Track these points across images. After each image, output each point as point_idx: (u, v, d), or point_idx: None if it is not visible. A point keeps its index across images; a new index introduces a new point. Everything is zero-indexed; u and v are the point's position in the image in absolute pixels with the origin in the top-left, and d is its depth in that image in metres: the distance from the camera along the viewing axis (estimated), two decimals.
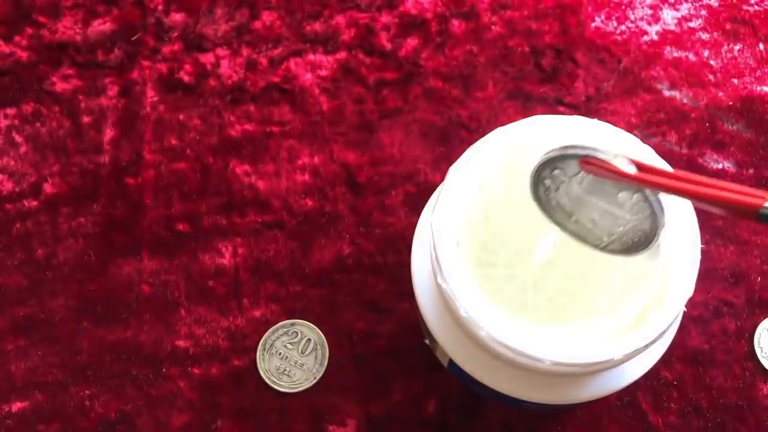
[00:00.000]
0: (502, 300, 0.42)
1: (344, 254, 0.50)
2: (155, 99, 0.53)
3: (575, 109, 0.53)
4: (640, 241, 0.37)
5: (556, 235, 0.40)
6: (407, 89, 0.53)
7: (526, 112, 0.52)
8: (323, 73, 0.54)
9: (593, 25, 0.55)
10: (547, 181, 0.37)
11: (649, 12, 0.55)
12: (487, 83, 0.53)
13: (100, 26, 0.55)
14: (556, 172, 0.37)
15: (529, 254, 0.43)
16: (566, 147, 0.36)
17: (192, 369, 0.48)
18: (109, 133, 0.52)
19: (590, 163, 0.35)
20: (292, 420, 0.47)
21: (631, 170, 0.34)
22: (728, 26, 0.55)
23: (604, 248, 0.38)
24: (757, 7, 0.55)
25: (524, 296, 0.43)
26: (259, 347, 0.48)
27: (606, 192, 0.36)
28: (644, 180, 0.34)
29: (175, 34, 0.55)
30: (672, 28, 0.55)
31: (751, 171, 0.51)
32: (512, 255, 0.44)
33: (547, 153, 0.36)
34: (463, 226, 0.41)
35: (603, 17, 0.55)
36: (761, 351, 0.48)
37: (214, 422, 0.47)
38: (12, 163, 0.52)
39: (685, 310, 0.38)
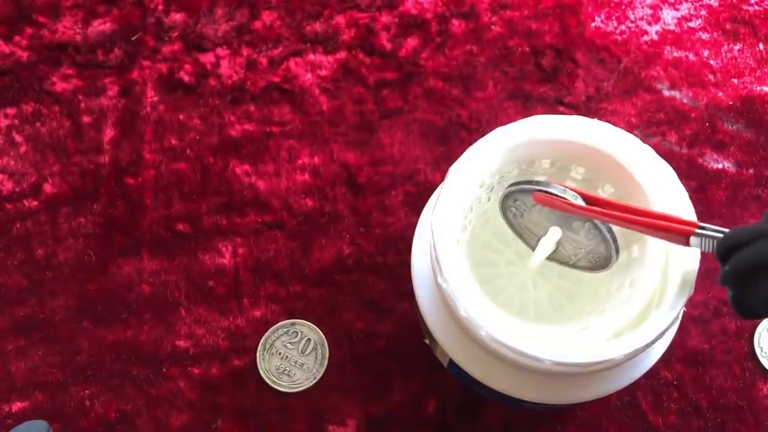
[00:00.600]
0: (502, 300, 0.42)
1: (344, 254, 0.50)
2: (155, 99, 0.53)
3: (575, 109, 0.53)
4: (600, 262, 0.40)
5: (557, 235, 0.40)
6: (407, 89, 0.53)
7: (526, 112, 0.52)
8: (323, 73, 0.54)
9: (593, 25, 0.55)
10: (513, 209, 0.41)
11: (649, 12, 0.55)
12: (487, 83, 0.53)
13: (100, 26, 0.55)
14: (518, 203, 0.40)
15: (529, 254, 0.43)
16: (520, 183, 0.39)
17: (192, 369, 0.48)
18: (109, 133, 0.52)
19: (541, 198, 0.38)
20: (292, 420, 0.47)
21: (579, 202, 0.37)
22: (728, 26, 0.55)
23: (573, 265, 0.41)
24: (757, 7, 0.55)
25: (524, 296, 0.43)
26: (259, 347, 0.48)
27: (562, 220, 0.39)
28: (589, 211, 0.37)
29: (175, 34, 0.55)
30: (672, 28, 0.55)
31: (750, 171, 0.51)
32: (512, 255, 0.44)
33: (507, 187, 0.40)
34: (463, 227, 0.41)
35: (603, 17, 0.55)
36: (761, 351, 0.48)
37: (214, 422, 0.47)
38: (12, 163, 0.52)
39: (685, 310, 0.38)
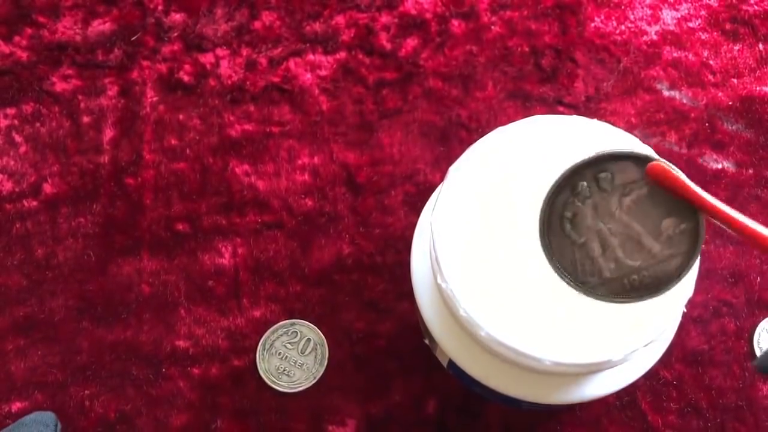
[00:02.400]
0: (502, 299, 0.42)
1: (344, 254, 0.50)
2: (155, 99, 0.53)
3: (575, 109, 0.53)
4: (650, 285, 0.33)
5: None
6: (407, 89, 0.53)
7: (526, 112, 0.52)
8: (323, 73, 0.54)
9: (593, 25, 0.55)
10: (582, 185, 0.33)
11: (649, 12, 0.55)
12: (487, 83, 0.53)
13: (100, 26, 0.55)
14: (603, 175, 0.32)
15: (530, 254, 0.43)
16: (632, 150, 0.31)
17: (192, 369, 0.48)
18: (108, 133, 0.52)
19: (662, 173, 0.31)
20: (291, 420, 0.47)
21: (705, 194, 0.30)
22: (728, 26, 0.55)
23: (587, 285, 0.33)
24: (757, 7, 0.55)
25: (524, 296, 0.43)
26: (259, 347, 0.48)
27: (650, 215, 0.32)
28: (718, 210, 0.29)
29: (175, 34, 0.55)
30: (672, 28, 0.55)
31: (750, 171, 0.51)
32: (512, 254, 0.44)
33: (604, 151, 0.31)
34: (464, 226, 0.41)
35: (603, 17, 0.55)
36: (761, 351, 0.48)
37: (213, 422, 0.47)
38: (12, 163, 0.52)
39: (685, 310, 0.38)
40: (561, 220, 0.33)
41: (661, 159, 0.31)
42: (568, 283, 0.33)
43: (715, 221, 0.30)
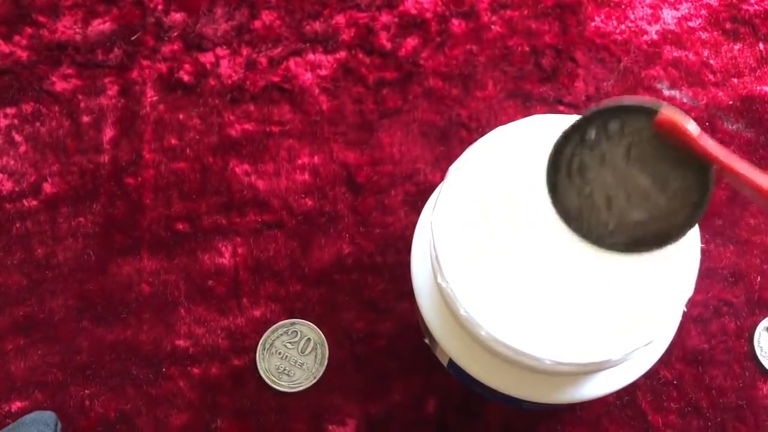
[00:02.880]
0: (502, 299, 0.42)
1: (344, 254, 0.50)
2: (155, 99, 0.53)
3: (575, 108, 0.53)
4: (653, 237, 0.32)
5: (558, 235, 0.40)
6: (407, 89, 0.53)
7: (526, 112, 0.52)
8: (323, 72, 0.54)
9: (593, 24, 0.55)
10: (591, 132, 0.32)
11: (649, 12, 0.55)
12: (487, 83, 0.53)
13: (100, 26, 0.55)
14: (612, 124, 0.31)
15: (530, 254, 0.43)
16: (640, 102, 0.31)
17: (192, 369, 0.48)
18: (108, 133, 0.52)
19: (671, 123, 0.30)
20: (292, 420, 0.47)
21: (714, 147, 0.29)
22: (728, 26, 0.55)
23: (592, 235, 0.33)
24: (757, 7, 0.55)
25: (524, 296, 0.43)
26: (259, 347, 0.48)
27: (658, 167, 0.31)
28: (728, 164, 0.29)
29: (175, 33, 0.55)
30: (672, 27, 0.55)
31: None
32: (512, 254, 0.44)
33: (614, 102, 0.31)
34: (464, 226, 0.41)
35: (603, 17, 0.55)
36: (761, 350, 0.48)
37: (214, 422, 0.47)
38: (12, 162, 0.52)
39: (685, 309, 0.38)
40: (569, 170, 0.33)
41: (673, 110, 0.30)
42: (574, 231, 0.33)
43: (725, 176, 0.29)
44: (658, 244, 0.32)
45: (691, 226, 0.32)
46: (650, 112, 0.30)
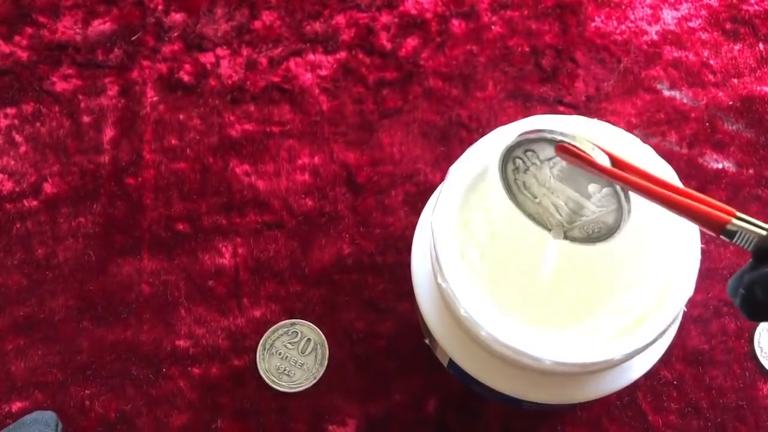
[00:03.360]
0: (502, 299, 0.42)
1: (344, 254, 0.50)
2: (155, 99, 0.53)
3: (575, 108, 0.53)
4: (601, 233, 0.37)
5: (558, 234, 0.40)
6: (407, 89, 0.53)
7: (526, 112, 0.52)
8: (323, 72, 0.54)
9: (593, 25, 0.55)
10: (518, 161, 0.37)
11: (649, 12, 0.55)
12: (487, 83, 0.53)
13: (100, 26, 0.55)
14: (529, 153, 0.36)
15: (529, 254, 0.43)
16: (543, 131, 0.35)
17: (192, 369, 0.48)
18: (109, 133, 0.52)
19: (566, 150, 0.34)
20: (292, 420, 0.47)
21: (606, 163, 0.34)
22: (728, 26, 0.55)
23: (565, 234, 0.38)
24: (757, 7, 0.55)
25: (524, 295, 0.43)
26: (259, 347, 0.48)
27: (577, 181, 0.36)
28: (618, 176, 0.33)
29: (175, 34, 0.55)
30: (672, 28, 0.55)
31: (751, 171, 0.51)
32: (512, 254, 0.44)
33: (522, 133, 0.35)
34: (463, 226, 0.41)
35: (603, 17, 0.55)
36: (761, 351, 0.48)
37: (214, 422, 0.47)
38: (12, 163, 0.52)
39: (685, 310, 0.38)
40: (517, 186, 0.38)
41: (572, 136, 0.34)
42: (543, 230, 0.38)
43: (624, 186, 0.34)
44: (607, 236, 0.37)
45: (623, 226, 0.35)
46: (552, 142, 0.35)
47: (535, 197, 0.38)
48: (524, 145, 0.36)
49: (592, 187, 0.36)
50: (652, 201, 0.33)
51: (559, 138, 0.34)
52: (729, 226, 0.31)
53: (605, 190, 0.35)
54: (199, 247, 0.50)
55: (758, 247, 0.30)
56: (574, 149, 0.34)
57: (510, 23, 0.55)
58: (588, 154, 0.34)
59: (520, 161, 0.37)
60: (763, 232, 0.30)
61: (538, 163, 0.36)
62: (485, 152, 0.39)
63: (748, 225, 0.31)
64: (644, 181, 0.33)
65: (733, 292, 0.30)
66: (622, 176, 0.33)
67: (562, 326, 0.41)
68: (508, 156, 0.37)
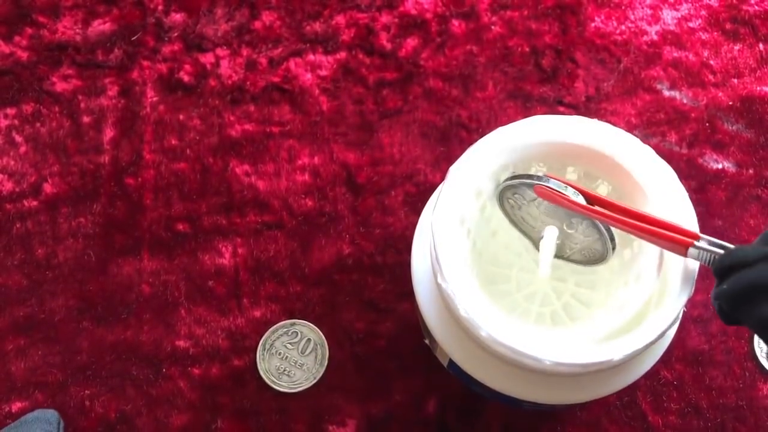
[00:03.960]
0: (502, 299, 0.42)
1: (344, 254, 0.50)
2: (155, 99, 0.53)
3: (575, 109, 0.53)
4: (594, 257, 0.40)
5: (555, 234, 0.40)
6: (407, 89, 0.53)
7: (526, 112, 0.52)
8: (323, 73, 0.54)
9: (593, 25, 0.55)
10: (511, 201, 0.41)
11: (649, 12, 0.55)
12: (487, 83, 0.53)
13: (100, 26, 0.55)
14: (517, 196, 0.40)
15: (530, 254, 0.43)
16: (521, 176, 0.39)
17: (192, 369, 0.48)
18: (109, 133, 0.52)
19: (543, 192, 0.38)
20: (292, 420, 0.47)
21: (580, 200, 0.37)
22: (728, 26, 0.55)
23: (567, 258, 0.41)
24: (757, 7, 0.55)
25: (524, 296, 0.43)
26: (259, 347, 0.48)
27: (561, 216, 0.40)
28: (588, 210, 0.37)
29: (175, 34, 0.55)
30: (672, 28, 0.55)
31: (751, 171, 0.51)
32: (512, 254, 0.44)
33: (504, 181, 0.40)
34: (463, 226, 0.41)
35: (603, 17, 0.55)
36: (761, 351, 0.48)
37: (214, 422, 0.47)
38: (12, 163, 0.52)
39: (685, 310, 0.38)
40: (517, 218, 0.42)
41: (545, 178, 0.38)
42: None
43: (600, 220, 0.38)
44: (600, 260, 0.40)
45: (611, 252, 0.39)
46: (531, 186, 0.39)
47: (532, 228, 0.41)
48: (511, 189, 0.40)
49: (575, 220, 0.39)
50: (624, 231, 0.37)
51: (535, 182, 0.38)
52: (691, 250, 0.35)
53: (586, 222, 0.39)
54: (199, 247, 0.50)
55: (716, 266, 0.33)
56: (549, 191, 0.38)
57: (510, 23, 0.55)
58: (562, 193, 0.38)
59: (513, 202, 0.41)
60: (720, 251, 0.34)
61: (525, 203, 0.40)
62: (485, 153, 0.39)
63: (709, 246, 0.34)
64: (615, 213, 0.36)
65: (712, 302, 0.34)
66: (593, 210, 0.37)
67: (561, 326, 0.41)
68: (503, 197, 0.41)
